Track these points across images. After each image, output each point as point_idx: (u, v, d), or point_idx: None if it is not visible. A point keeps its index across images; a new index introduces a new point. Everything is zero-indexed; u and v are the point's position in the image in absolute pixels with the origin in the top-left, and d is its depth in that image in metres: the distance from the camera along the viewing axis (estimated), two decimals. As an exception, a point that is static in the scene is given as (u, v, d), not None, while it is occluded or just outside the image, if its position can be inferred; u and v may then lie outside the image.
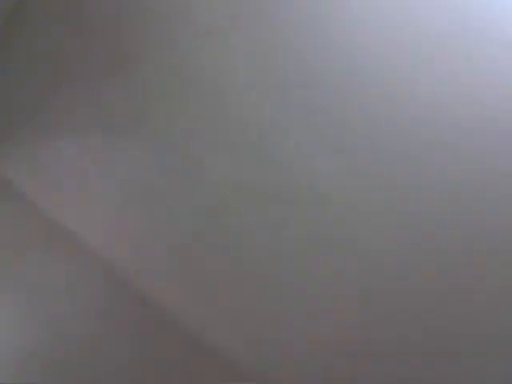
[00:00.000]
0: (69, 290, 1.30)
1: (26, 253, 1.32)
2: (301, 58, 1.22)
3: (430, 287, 1.17)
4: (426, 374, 1.18)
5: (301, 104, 1.22)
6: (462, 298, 1.16)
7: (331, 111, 1.21)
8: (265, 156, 1.23)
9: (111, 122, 1.30)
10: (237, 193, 1.24)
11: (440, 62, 1.17)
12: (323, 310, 1.21)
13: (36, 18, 1.35)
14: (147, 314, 1.27)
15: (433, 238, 1.17)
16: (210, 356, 1.25)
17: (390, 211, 1.19)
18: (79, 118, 1.32)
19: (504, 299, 1.14)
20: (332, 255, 1.21)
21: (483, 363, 1.15)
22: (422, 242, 1.17)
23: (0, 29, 1.36)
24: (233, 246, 1.25)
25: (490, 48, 1.15)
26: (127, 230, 1.28)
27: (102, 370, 1.28)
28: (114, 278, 1.29)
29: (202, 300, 1.26)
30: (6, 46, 1.36)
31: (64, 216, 1.32)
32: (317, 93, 1.21)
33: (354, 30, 1.20)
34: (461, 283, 1.16)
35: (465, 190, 1.16)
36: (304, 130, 1.21)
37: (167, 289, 1.27)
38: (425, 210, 1.17)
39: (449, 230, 1.17)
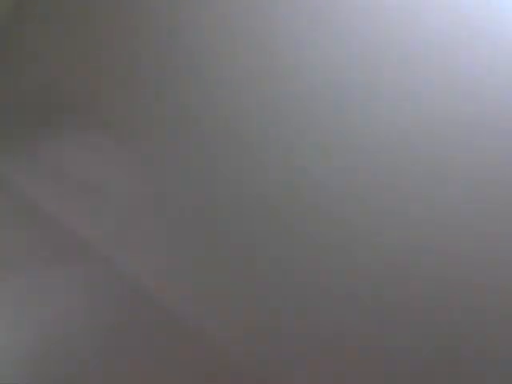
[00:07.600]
0: (69, 290, 1.30)
1: (26, 253, 1.32)
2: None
3: (430, 291, 1.18)
4: (426, 375, 1.18)
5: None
6: (464, 300, 1.16)
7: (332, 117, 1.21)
8: (269, 157, 1.24)
9: (112, 121, 1.30)
10: (244, 198, 1.25)
11: (440, 62, 1.17)
12: (323, 309, 1.21)
13: (36, 17, 1.35)
14: (147, 314, 1.28)
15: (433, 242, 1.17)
16: (210, 355, 1.25)
17: (390, 213, 1.19)
18: (80, 118, 1.32)
19: (506, 305, 1.15)
20: (332, 256, 1.21)
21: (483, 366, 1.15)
22: (422, 243, 1.18)
23: (0, 29, 1.36)
24: (235, 249, 1.25)
25: (490, 47, 1.15)
26: (128, 230, 1.29)
27: (102, 369, 1.28)
28: (114, 277, 1.29)
29: (203, 300, 1.26)
30: (6, 46, 1.36)
31: (64, 216, 1.32)
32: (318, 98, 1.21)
33: (353, 27, 1.20)
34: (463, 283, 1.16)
35: (465, 191, 1.16)
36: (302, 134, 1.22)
37: (168, 288, 1.27)
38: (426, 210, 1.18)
39: (449, 237, 1.17)
